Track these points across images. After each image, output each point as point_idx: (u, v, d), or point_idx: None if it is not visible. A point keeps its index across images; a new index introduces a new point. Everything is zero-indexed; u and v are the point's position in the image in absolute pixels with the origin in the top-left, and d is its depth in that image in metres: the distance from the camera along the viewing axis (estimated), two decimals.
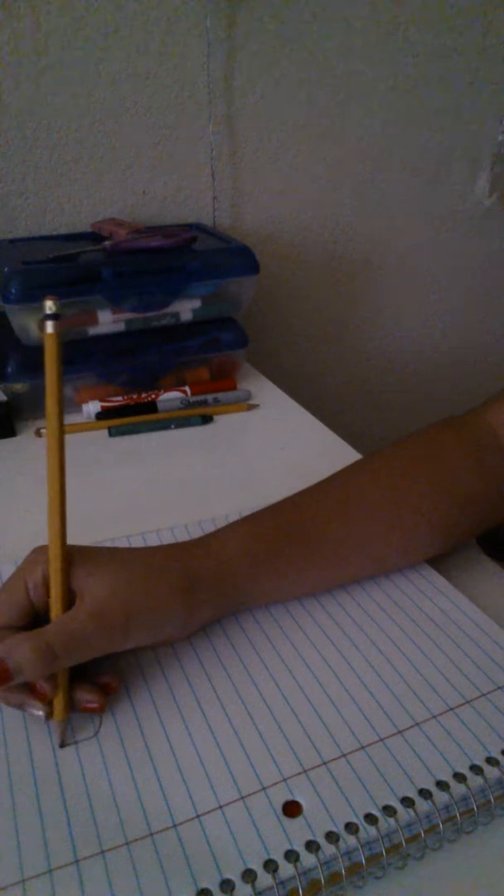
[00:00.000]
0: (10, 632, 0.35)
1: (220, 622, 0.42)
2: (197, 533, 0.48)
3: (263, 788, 0.32)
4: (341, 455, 0.63)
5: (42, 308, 0.34)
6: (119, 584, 0.36)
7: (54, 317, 0.34)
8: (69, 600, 0.36)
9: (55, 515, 0.36)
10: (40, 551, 0.37)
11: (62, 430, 0.36)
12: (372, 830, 0.30)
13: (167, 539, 0.49)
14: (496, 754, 0.33)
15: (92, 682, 0.36)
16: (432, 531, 0.45)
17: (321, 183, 0.96)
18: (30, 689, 0.35)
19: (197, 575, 0.39)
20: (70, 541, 0.37)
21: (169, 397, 0.71)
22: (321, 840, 0.30)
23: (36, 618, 0.37)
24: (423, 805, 0.31)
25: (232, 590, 0.40)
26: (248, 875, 0.28)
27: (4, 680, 0.33)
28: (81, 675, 0.36)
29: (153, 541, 0.49)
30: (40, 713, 0.35)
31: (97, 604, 0.35)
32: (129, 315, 0.69)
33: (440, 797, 0.31)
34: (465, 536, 0.49)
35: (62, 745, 0.35)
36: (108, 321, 0.69)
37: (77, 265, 0.68)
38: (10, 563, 0.46)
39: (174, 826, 0.31)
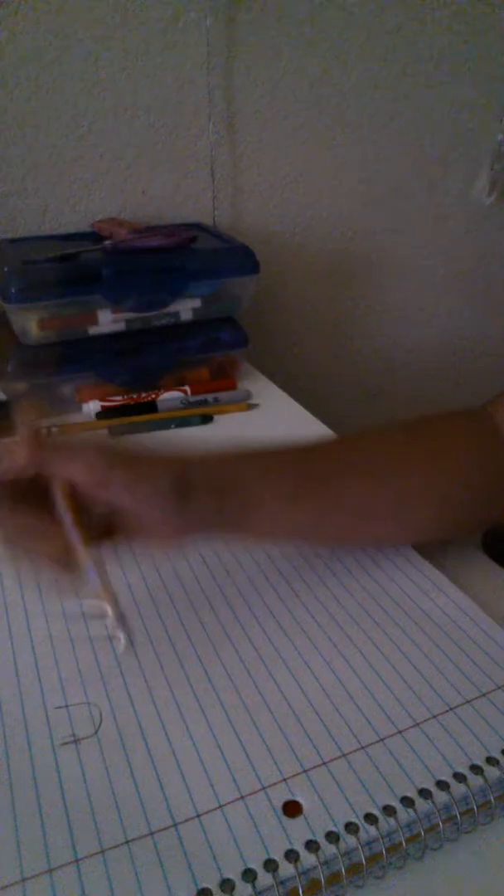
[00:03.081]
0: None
1: (220, 622, 0.42)
2: None
3: (263, 788, 0.32)
4: None
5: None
6: (106, 447, 0.38)
7: None
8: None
9: None
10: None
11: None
12: (372, 830, 0.30)
13: None
14: (496, 754, 0.33)
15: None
16: (437, 508, 0.45)
17: (321, 182, 0.96)
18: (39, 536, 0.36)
19: (194, 465, 0.39)
20: None
21: (169, 397, 0.71)
22: (321, 840, 0.30)
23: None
24: (423, 805, 0.31)
25: (235, 500, 0.40)
26: (249, 874, 0.28)
27: None
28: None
29: None
30: (48, 556, 0.36)
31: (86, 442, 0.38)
32: (129, 315, 0.69)
33: (440, 797, 0.31)
34: (463, 527, 0.48)
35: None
36: (108, 321, 0.68)
37: (77, 265, 0.68)
38: None
39: (174, 825, 0.31)
